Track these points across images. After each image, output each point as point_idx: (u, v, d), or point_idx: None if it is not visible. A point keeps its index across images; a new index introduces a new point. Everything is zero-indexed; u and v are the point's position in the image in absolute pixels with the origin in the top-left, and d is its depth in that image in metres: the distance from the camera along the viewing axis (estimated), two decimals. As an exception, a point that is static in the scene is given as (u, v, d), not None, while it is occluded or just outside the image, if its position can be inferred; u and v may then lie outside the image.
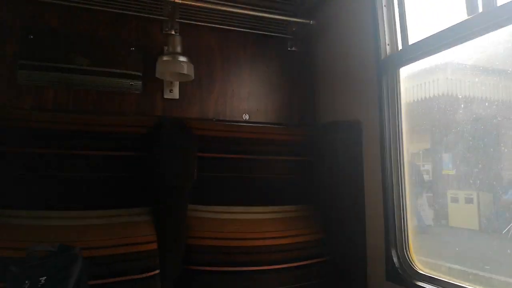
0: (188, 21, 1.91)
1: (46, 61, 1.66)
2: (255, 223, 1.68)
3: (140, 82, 1.81)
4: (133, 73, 1.79)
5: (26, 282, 1.21)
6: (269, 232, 1.66)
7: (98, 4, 1.75)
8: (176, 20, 1.85)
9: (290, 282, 1.58)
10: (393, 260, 1.48)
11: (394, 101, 1.55)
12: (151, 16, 1.85)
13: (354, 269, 1.63)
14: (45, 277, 1.24)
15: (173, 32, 1.87)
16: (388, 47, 1.57)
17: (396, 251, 1.49)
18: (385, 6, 1.59)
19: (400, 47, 1.58)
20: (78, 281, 1.27)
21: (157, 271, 1.47)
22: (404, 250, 1.47)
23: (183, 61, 1.66)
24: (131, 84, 1.78)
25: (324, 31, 1.99)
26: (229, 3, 1.87)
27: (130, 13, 1.81)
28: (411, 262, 1.45)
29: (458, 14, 1.28)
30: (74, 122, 1.54)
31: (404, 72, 1.57)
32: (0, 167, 1.43)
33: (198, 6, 1.78)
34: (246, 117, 2.00)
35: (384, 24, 1.58)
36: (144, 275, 1.43)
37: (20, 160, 1.45)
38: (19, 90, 1.63)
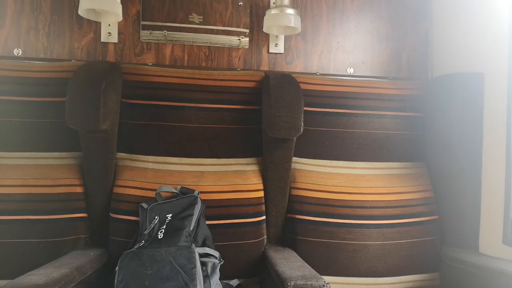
0: (295, -28, 1.86)
1: (164, 20, 1.78)
2: (359, 178, 1.66)
3: (248, 38, 1.85)
4: (241, 29, 1.84)
5: (156, 217, 1.38)
6: (373, 188, 1.64)
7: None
8: (284, -29, 1.82)
9: (393, 238, 1.56)
10: (513, 221, 1.37)
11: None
12: (258, -31, 1.84)
13: (465, 229, 1.55)
14: (171, 214, 1.39)
15: (280, -16, 1.85)
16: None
17: None
18: None
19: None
20: (198, 220, 1.41)
21: (264, 217, 1.57)
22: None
23: (290, 13, 1.64)
24: (239, 39, 1.83)
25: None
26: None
27: (238, -32, 1.83)
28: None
29: None
30: (188, 76, 1.65)
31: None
32: (129, 117, 1.59)
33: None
34: (350, 70, 1.94)
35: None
36: (252, 220, 1.54)
37: (145, 111, 1.60)
38: (142, 47, 1.80)
